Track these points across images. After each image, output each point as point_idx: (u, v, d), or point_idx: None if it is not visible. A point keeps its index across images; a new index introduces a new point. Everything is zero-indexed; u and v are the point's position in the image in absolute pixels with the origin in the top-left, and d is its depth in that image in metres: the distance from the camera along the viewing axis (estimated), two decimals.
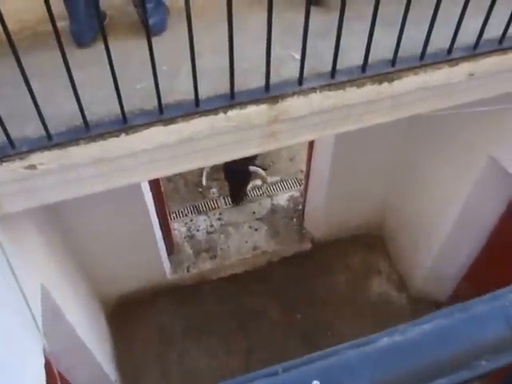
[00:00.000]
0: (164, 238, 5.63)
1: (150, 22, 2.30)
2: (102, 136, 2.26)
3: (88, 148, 2.27)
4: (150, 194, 4.83)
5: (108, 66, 2.09)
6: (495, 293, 0.42)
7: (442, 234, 4.99)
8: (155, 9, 2.69)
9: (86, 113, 2.20)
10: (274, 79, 2.46)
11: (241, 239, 6.35)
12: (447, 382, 0.40)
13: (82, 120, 2.22)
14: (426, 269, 5.48)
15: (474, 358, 0.40)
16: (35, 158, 2.24)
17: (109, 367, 4.71)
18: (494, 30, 2.79)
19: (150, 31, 2.05)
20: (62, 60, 1.98)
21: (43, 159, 2.25)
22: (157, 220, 5.19)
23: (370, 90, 2.65)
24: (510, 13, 2.68)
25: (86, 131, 2.25)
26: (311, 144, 5.61)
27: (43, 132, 2.19)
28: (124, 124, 2.27)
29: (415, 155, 5.22)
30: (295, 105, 2.53)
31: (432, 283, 5.53)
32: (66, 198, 2.51)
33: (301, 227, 6.47)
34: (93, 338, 4.31)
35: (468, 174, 4.41)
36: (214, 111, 2.39)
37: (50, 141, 2.23)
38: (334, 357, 0.38)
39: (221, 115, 2.40)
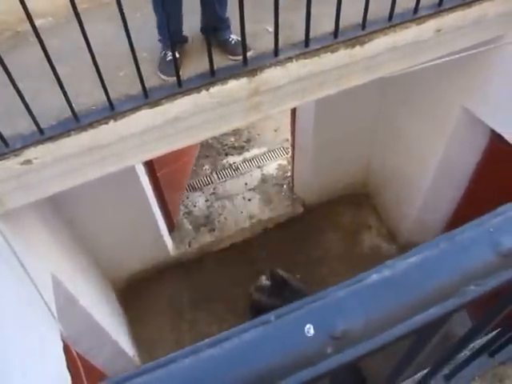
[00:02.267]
0: (164, 217, 5.62)
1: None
2: (91, 125, 2.23)
3: (79, 138, 2.24)
4: (146, 175, 4.80)
5: (89, 58, 2.05)
6: (479, 219, 0.41)
7: (423, 185, 5.00)
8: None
9: (73, 105, 2.17)
10: (250, 53, 2.43)
11: (236, 210, 6.34)
12: (439, 310, 0.39)
13: (70, 112, 2.18)
14: (411, 219, 5.51)
15: (463, 284, 0.39)
16: (30, 153, 2.20)
17: (125, 344, 4.73)
18: None
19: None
20: (44, 56, 1.94)
21: (37, 153, 2.21)
22: (155, 200, 5.17)
23: (343, 55, 2.62)
24: None
25: (76, 122, 2.22)
26: (293, 113, 5.57)
27: (35, 127, 2.16)
28: (112, 111, 2.24)
29: (393, 114, 5.19)
30: (273, 75, 2.50)
31: (419, 232, 5.56)
32: (64, 189, 2.48)
33: (291, 193, 6.47)
34: (107, 319, 4.33)
35: (443, 126, 4.40)
36: (197, 89, 2.36)
37: (42, 135, 2.20)
38: (326, 299, 0.37)
39: (203, 93, 2.37)
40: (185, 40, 2.53)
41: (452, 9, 2.82)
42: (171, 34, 2.27)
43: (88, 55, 2.05)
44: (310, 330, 0.35)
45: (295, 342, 0.35)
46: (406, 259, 0.38)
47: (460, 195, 5.02)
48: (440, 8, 2.78)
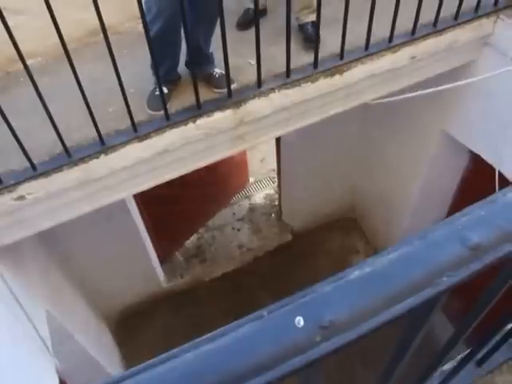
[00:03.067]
0: (155, 249, 5.61)
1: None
2: (82, 160, 2.27)
3: (71, 173, 2.27)
4: (137, 208, 4.81)
5: (79, 95, 2.10)
6: (449, 219, 0.45)
7: (409, 207, 5.06)
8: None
9: (65, 141, 2.21)
10: (234, 85, 2.50)
11: (226, 240, 6.35)
12: (416, 300, 0.42)
13: (62, 147, 2.21)
14: (399, 241, 5.55)
15: (437, 276, 0.43)
16: (23, 189, 2.23)
17: None
18: (428, 15, 2.87)
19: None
20: (35, 95, 1.99)
21: (31, 189, 2.24)
22: (146, 233, 5.17)
23: (323, 84, 2.70)
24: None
25: (68, 157, 2.25)
26: (278, 141, 5.65)
27: (28, 163, 2.19)
28: (102, 146, 2.28)
29: (376, 138, 5.29)
30: (257, 106, 2.57)
31: None
32: (58, 223, 2.50)
33: (280, 221, 6.50)
34: (102, 352, 4.28)
35: (425, 149, 4.49)
36: (184, 122, 2.41)
37: (34, 171, 2.23)
38: (313, 294, 0.41)
39: (190, 125, 2.43)
40: (179, 77, 2.60)
41: (425, 37, 2.93)
42: (166, 72, 2.35)
43: (77, 92, 2.10)
44: (300, 321, 0.39)
45: (287, 333, 0.38)
46: (384, 256, 0.42)
47: (445, 214, 5.09)
48: (413, 36, 2.89)
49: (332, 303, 0.39)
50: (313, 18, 2.80)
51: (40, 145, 2.32)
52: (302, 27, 2.86)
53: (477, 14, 3.04)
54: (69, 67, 2.01)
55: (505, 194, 0.47)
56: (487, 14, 3.09)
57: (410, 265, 0.42)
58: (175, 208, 5.57)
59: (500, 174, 3.52)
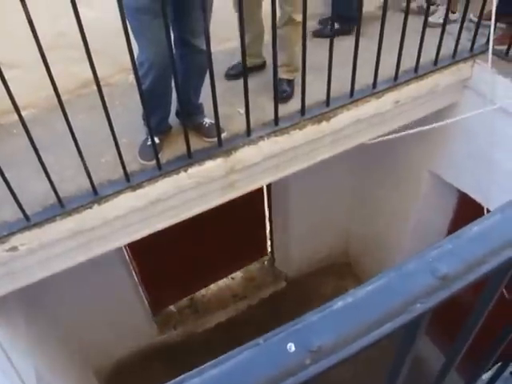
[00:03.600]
0: (147, 302, 5.59)
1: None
2: (76, 210, 2.34)
3: (64, 223, 2.33)
4: (129, 259, 4.84)
5: (72, 146, 2.18)
6: (421, 252, 0.52)
7: (401, 249, 5.13)
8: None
9: (58, 191, 2.27)
10: (224, 134, 2.61)
11: (219, 290, 6.35)
12: (394, 325, 0.49)
13: (55, 198, 2.28)
14: None
15: (410, 303, 0.49)
16: (16, 240, 2.28)
17: None
18: (409, 62, 3.04)
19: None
20: (28, 146, 2.07)
21: (24, 240, 2.29)
22: (139, 285, 5.17)
23: (311, 131, 2.81)
24: (418, 45, 2.93)
25: (61, 207, 2.32)
26: (269, 188, 5.74)
27: (21, 214, 2.25)
28: (95, 196, 2.35)
29: (366, 181, 5.41)
30: (247, 154, 2.67)
31: None
32: (51, 273, 2.54)
33: (273, 268, 6.52)
34: None
35: (414, 190, 4.61)
36: (176, 171, 2.50)
37: (28, 222, 2.28)
38: (303, 322, 0.47)
39: (182, 174, 2.52)
40: (170, 128, 2.70)
41: (407, 82, 3.10)
42: (158, 123, 2.46)
43: (70, 143, 2.18)
44: (291, 347, 0.45)
45: (281, 358, 0.45)
46: (364, 287, 0.49)
47: None
48: (396, 82, 3.05)
49: (319, 330, 0.46)
50: (291, 76, 2.97)
51: (33, 195, 2.39)
52: (279, 81, 2.92)
53: (454, 59, 3.24)
54: (61, 118, 2.10)
55: (470, 229, 0.55)
56: (464, 59, 3.29)
57: (387, 294, 0.48)
58: (177, 263, 5.55)
59: (489, 212, 3.62)
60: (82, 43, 1.97)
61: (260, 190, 5.53)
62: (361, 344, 0.45)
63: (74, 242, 2.42)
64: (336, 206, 5.84)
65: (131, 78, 2.93)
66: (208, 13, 2.26)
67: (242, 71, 2.72)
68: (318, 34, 3.55)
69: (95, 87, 2.11)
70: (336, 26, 3.12)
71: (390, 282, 0.49)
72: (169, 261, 5.36)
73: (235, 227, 5.64)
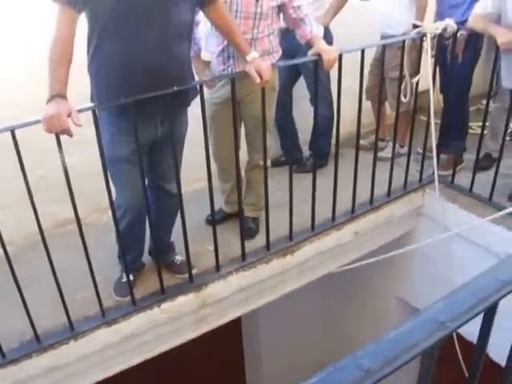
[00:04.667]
0: None
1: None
2: (52, 346, 2.50)
3: (40, 359, 2.48)
4: None
5: (48, 283, 2.42)
6: (351, 354, 0.80)
7: None
8: None
9: (35, 327, 2.45)
10: (195, 270, 2.91)
11: None
12: None
13: (32, 334, 2.46)
14: None
15: None
16: None
17: None
18: (365, 195, 3.48)
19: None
20: (4, 284, 2.30)
21: None
22: None
23: (277, 264, 3.13)
24: (370, 180, 3.38)
25: (38, 344, 2.48)
26: (239, 322, 5.85)
27: None
28: (71, 331, 2.55)
29: (337, 311, 5.61)
30: (217, 289, 2.94)
31: None
32: None
33: None
34: None
35: (384, 317, 4.84)
36: (149, 307, 2.73)
37: (3, 359, 2.42)
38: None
39: (155, 309, 2.74)
40: (143, 265, 2.98)
41: (364, 213, 3.50)
42: (132, 261, 2.75)
43: (47, 280, 2.42)
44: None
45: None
46: (306, 382, 0.75)
47: (413, 379, 5.24)
48: (354, 214, 3.44)
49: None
50: (256, 214, 3.33)
51: (10, 332, 2.53)
52: (245, 218, 3.20)
53: (406, 190, 3.70)
54: (37, 256, 2.35)
55: (389, 334, 0.82)
56: (415, 190, 3.75)
57: None
58: None
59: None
60: (60, 186, 2.28)
61: (233, 323, 5.62)
62: None
63: (49, 379, 2.53)
64: (308, 337, 5.90)
65: (105, 217, 3.25)
66: (179, 161, 2.63)
67: (223, 217, 3.10)
68: (275, 164, 3.99)
69: (71, 227, 2.39)
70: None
71: (325, 376, 0.75)
72: None
73: (208, 363, 5.70)
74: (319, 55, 2.77)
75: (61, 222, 3.32)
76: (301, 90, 3.80)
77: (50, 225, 3.38)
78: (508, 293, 0.92)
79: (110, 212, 2.52)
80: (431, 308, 0.88)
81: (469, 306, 0.86)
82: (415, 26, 3.50)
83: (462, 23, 3.37)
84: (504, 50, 3.15)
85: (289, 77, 3.51)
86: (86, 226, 3.42)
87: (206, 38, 2.95)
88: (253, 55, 2.60)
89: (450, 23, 3.22)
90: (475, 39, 3.54)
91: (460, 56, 3.52)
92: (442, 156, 3.87)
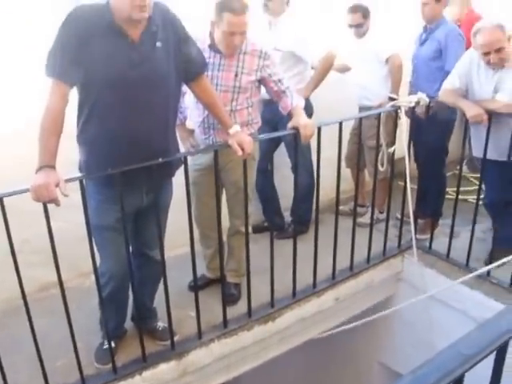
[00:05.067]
0: None
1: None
2: None
3: None
4: None
5: (28, 349, 2.42)
6: None
7: None
8: None
9: None
10: (177, 337, 2.92)
11: None
12: None
13: None
14: None
15: None
16: None
17: None
18: (345, 261, 3.56)
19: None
20: None
21: None
22: None
23: (258, 331, 3.16)
24: (350, 246, 3.47)
25: None
26: None
27: None
28: None
29: (321, 377, 5.57)
30: (199, 356, 2.95)
31: None
32: None
33: None
34: None
35: (365, 381, 4.85)
36: (131, 375, 2.74)
37: None
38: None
39: (137, 377, 2.75)
40: (125, 332, 2.99)
41: (344, 280, 3.57)
42: (114, 328, 2.78)
43: (25, 346, 2.42)
44: None
45: None
46: None
47: None
48: (334, 281, 3.51)
49: None
50: (238, 280, 3.39)
51: None
52: (227, 284, 3.26)
53: (385, 256, 3.80)
54: (16, 322, 2.36)
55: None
56: (394, 256, 3.86)
57: None
58: None
59: None
60: (43, 249, 2.32)
61: None
62: None
63: None
64: None
65: (88, 282, 3.27)
66: (163, 229, 2.71)
67: (206, 282, 3.15)
68: (257, 230, 3.98)
69: (52, 291, 2.41)
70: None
71: None
72: None
73: None
74: (297, 129, 2.90)
75: (42, 286, 3.32)
76: (282, 158, 3.93)
77: (32, 288, 3.38)
78: (471, 367, 1.00)
79: (93, 277, 2.56)
80: None
81: (434, 381, 0.93)
82: (391, 99, 3.70)
83: (433, 97, 3.57)
84: (473, 122, 3.34)
85: (270, 145, 3.65)
86: (69, 290, 3.42)
87: (190, 108, 3.10)
88: (235, 128, 2.72)
89: (422, 97, 3.41)
90: (447, 112, 3.74)
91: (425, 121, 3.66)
92: (420, 220, 3.99)
